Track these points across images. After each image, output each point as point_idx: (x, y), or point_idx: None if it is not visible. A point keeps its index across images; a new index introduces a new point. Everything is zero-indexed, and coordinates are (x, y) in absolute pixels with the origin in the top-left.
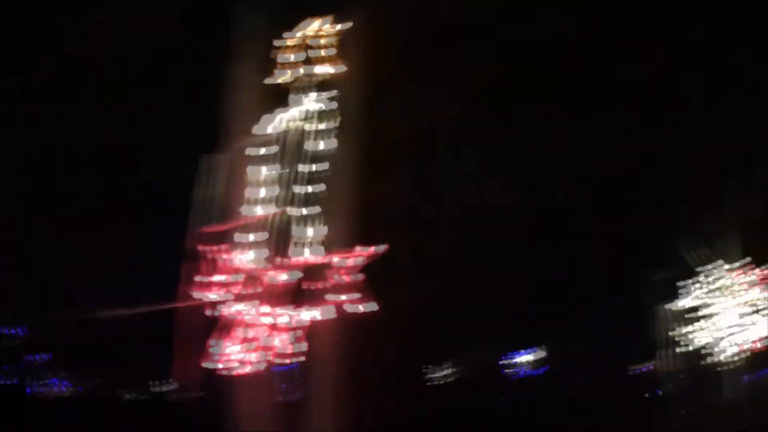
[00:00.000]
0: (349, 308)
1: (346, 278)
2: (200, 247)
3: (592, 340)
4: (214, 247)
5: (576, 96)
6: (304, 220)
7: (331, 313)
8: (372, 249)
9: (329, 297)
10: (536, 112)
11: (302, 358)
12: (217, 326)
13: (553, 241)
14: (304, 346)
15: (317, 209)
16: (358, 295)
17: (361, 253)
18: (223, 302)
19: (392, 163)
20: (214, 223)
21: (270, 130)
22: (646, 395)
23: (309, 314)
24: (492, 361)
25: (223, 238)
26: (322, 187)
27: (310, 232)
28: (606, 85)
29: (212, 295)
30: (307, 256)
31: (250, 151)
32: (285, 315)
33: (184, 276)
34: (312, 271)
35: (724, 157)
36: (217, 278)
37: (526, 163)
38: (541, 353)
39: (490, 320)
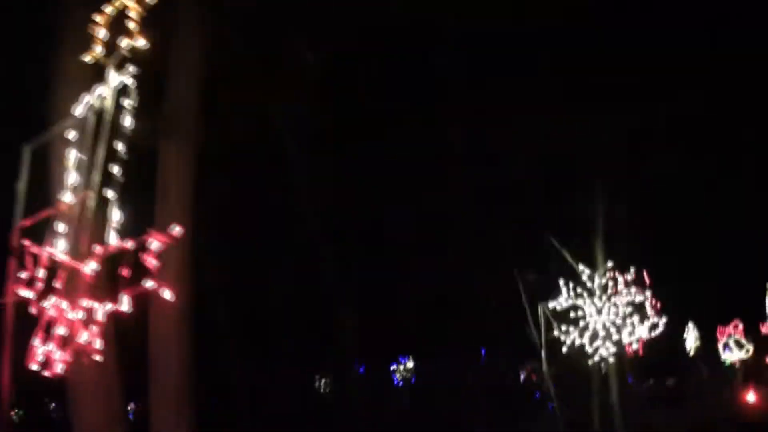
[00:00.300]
0: (152, 296)
1: (150, 264)
2: (16, 242)
3: (468, 344)
4: (29, 241)
5: (437, 95)
6: (109, 203)
7: (130, 303)
8: (172, 232)
9: (132, 285)
10: (389, 111)
11: (103, 357)
12: (36, 325)
13: (425, 245)
14: (102, 343)
15: (121, 191)
16: (158, 283)
17: (161, 237)
18: (37, 298)
19: (206, 146)
20: (30, 215)
21: (82, 110)
22: (527, 398)
23: (111, 306)
24: (354, 370)
25: (39, 230)
26: (126, 167)
27: (114, 215)
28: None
29: (26, 292)
30: (112, 242)
31: (65, 135)
32: (90, 308)
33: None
34: (116, 259)
35: (600, 158)
36: (30, 273)
37: (386, 164)
38: (415, 361)
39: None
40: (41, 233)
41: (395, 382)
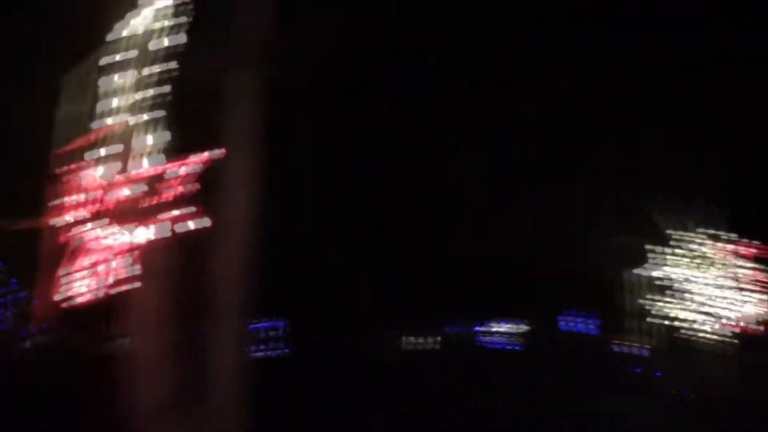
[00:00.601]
0: (181, 226)
1: (181, 189)
2: (57, 168)
3: (559, 313)
4: (69, 167)
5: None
6: (147, 127)
7: (165, 230)
8: (207, 154)
9: (164, 212)
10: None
11: (136, 284)
12: (68, 252)
13: (514, 204)
14: (137, 270)
15: (159, 114)
16: (191, 210)
17: (196, 160)
18: (73, 225)
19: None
20: (71, 141)
21: (124, 33)
22: (627, 375)
23: (144, 233)
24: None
25: (79, 156)
26: (165, 89)
27: (151, 139)
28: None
29: (65, 218)
30: (147, 166)
31: (105, 60)
32: (123, 235)
33: (42, 199)
34: (151, 184)
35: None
36: (69, 199)
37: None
38: (508, 326)
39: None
40: (82, 159)
41: (482, 344)
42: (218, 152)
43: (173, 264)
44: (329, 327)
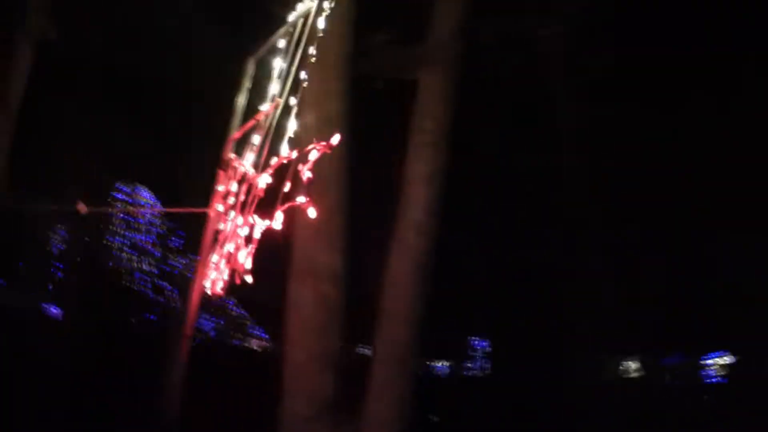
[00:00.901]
0: (300, 214)
1: (305, 176)
2: (226, 154)
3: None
4: (232, 153)
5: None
6: (290, 112)
7: (281, 221)
8: (331, 141)
9: (286, 200)
10: None
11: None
12: (219, 240)
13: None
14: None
15: (299, 99)
16: (306, 198)
17: (320, 147)
18: (226, 212)
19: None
20: (237, 127)
21: (294, 18)
22: None
23: (265, 222)
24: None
25: (240, 142)
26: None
27: (291, 125)
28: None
29: (220, 205)
30: (284, 153)
31: (277, 44)
32: (254, 225)
33: (206, 185)
34: (282, 171)
35: None
36: (225, 186)
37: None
38: (729, 358)
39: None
40: (242, 145)
41: (707, 379)
42: (337, 138)
43: (332, 261)
44: (534, 352)
